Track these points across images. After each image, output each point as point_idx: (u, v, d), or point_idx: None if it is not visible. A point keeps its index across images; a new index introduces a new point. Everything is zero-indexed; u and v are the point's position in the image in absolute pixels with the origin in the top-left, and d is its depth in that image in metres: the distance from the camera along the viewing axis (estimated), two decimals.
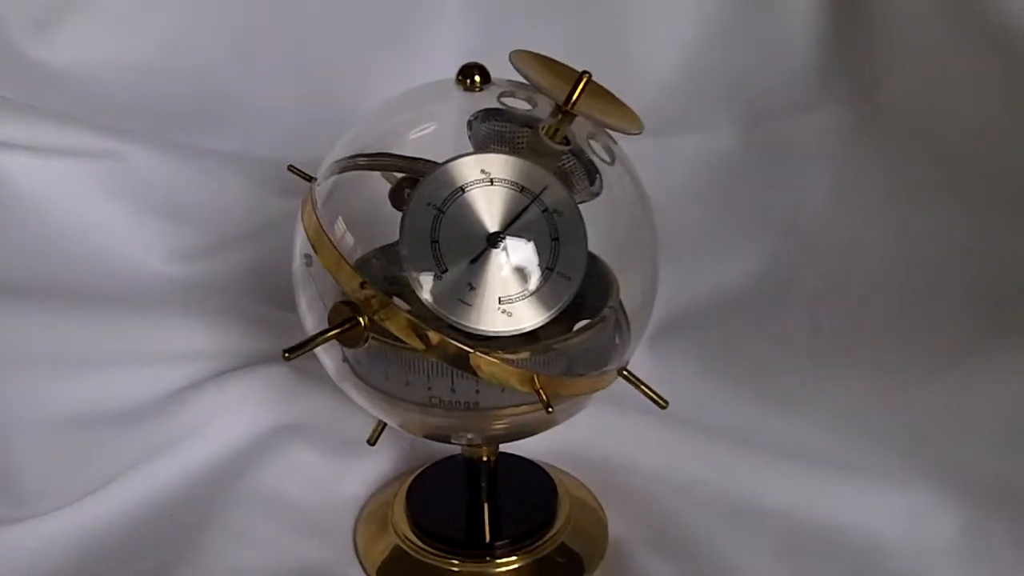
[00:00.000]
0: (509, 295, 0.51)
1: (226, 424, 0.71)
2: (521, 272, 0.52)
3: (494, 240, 0.51)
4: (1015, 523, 0.64)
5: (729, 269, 0.87)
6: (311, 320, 0.57)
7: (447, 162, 0.52)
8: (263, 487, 0.68)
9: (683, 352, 0.78)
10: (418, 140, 0.57)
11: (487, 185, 0.52)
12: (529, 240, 0.52)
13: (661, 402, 0.58)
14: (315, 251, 0.54)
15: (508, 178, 0.52)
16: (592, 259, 0.54)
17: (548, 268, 0.52)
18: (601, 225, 0.54)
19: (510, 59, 0.56)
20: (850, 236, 0.87)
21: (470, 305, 0.51)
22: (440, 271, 0.51)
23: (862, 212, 0.89)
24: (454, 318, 0.51)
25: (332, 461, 0.70)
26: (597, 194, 0.57)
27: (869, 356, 0.77)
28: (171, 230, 0.85)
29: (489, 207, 0.52)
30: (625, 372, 0.58)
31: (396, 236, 0.51)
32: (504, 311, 0.51)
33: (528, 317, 0.51)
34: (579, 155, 0.56)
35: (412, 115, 0.58)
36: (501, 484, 0.65)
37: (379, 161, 0.57)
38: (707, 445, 0.70)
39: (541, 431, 0.58)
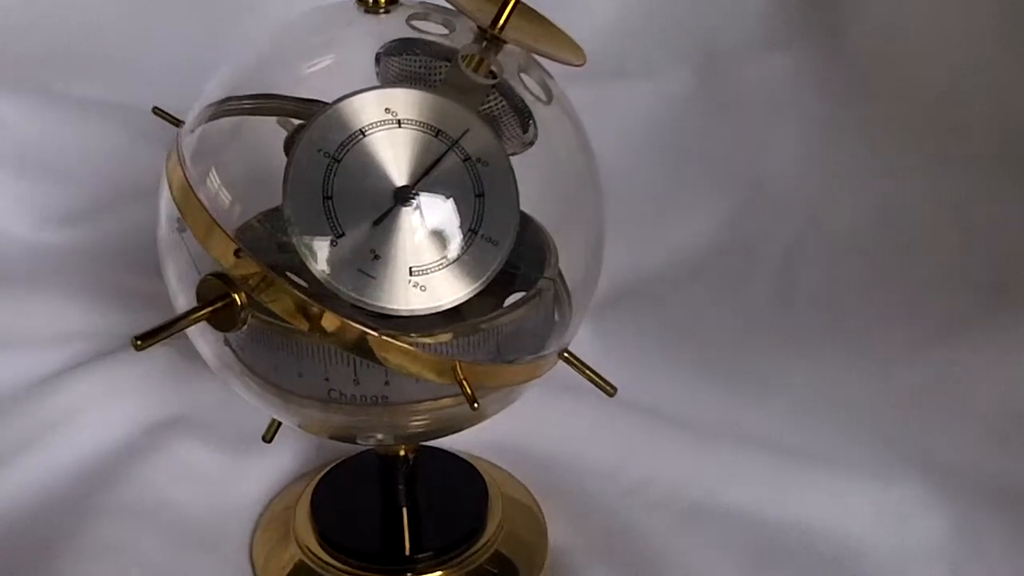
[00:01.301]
0: (423, 264, 0.45)
1: (99, 417, 0.67)
2: (438, 236, 0.45)
3: (403, 196, 0.44)
4: (1009, 521, 0.61)
5: (684, 233, 0.85)
6: (184, 297, 0.51)
7: (342, 99, 0.45)
8: (142, 492, 0.64)
9: (633, 329, 0.75)
10: (311, 76, 0.51)
11: (393, 127, 0.45)
12: (447, 196, 0.45)
13: (608, 388, 0.53)
14: (181, 213, 0.47)
15: (420, 119, 0.45)
16: (525, 220, 0.48)
17: (471, 231, 0.45)
18: (535, 178, 0.49)
19: None
20: (821, 195, 0.85)
21: (373, 277, 0.44)
22: (335, 235, 0.44)
23: (834, 167, 0.87)
24: (354, 294, 0.44)
25: (224, 460, 0.66)
26: (531, 143, 0.51)
27: (846, 333, 0.75)
28: (38, 192, 0.82)
29: (396, 155, 0.45)
30: (566, 354, 0.52)
31: None
32: (417, 284, 0.44)
33: (447, 291, 0.45)
34: (508, 94, 0.50)
35: (304, 45, 0.52)
36: (422, 484, 0.60)
37: (262, 104, 0.51)
38: (661, 436, 0.67)
39: (466, 427, 0.53)
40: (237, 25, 0.87)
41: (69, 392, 0.68)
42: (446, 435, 0.53)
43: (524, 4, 0.48)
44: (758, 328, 0.76)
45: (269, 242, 0.50)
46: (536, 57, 0.51)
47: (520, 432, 0.67)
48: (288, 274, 0.45)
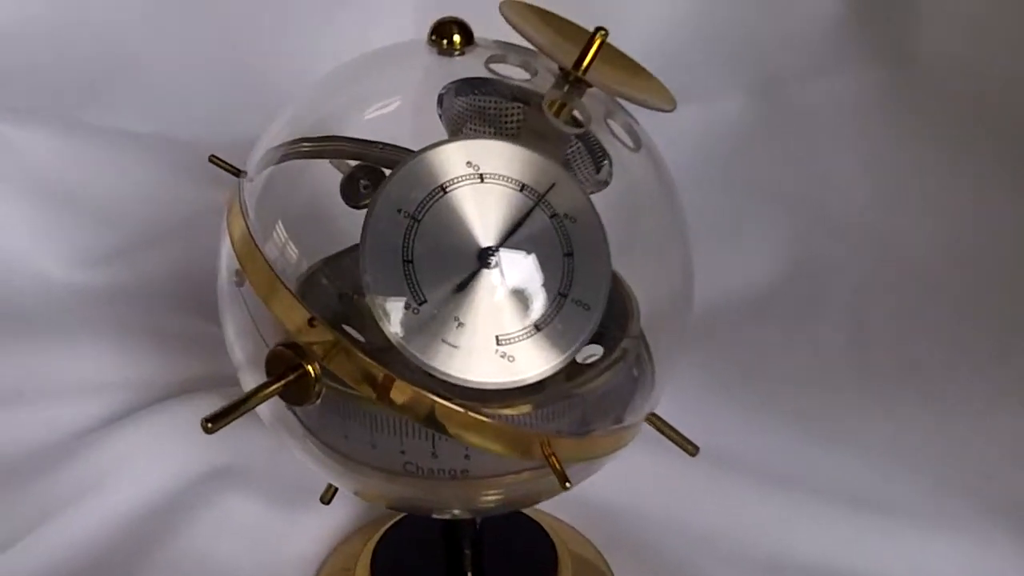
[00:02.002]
0: (509, 333, 0.42)
1: (142, 471, 0.65)
2: (524, 300, 0.42)
3: (487, 257, 0.42)
4: None
5: (746, 268, 0.83)
6: (241, 351, 0.49)
7: (421, 152, 0.42)
8: (189, 548, 0.62)
9: (695, 370, 0.69)
10: (377, 120, 0.49)
11: (475, 183, 0.42)
12: (534, 257, 0.42)
13: (690, 448, 0.51)
14: (244, 270, 0.45)
15: (503, 172, 0.43)
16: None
17: (560, 294, 0.42)
18: (619, 229, 0.45)
19: (501, 10, 0.47)
20: (892, 226, 0.83)
21: (457, 347, 0.41)
22: (417, 302, 0.41)
23: (903, 194, 0.85)
24: (436, 365, 0.41)
25: (276, 514, 0.64)
26: (606, 183, 0.48)
27: (923, 375, 0.73)
28: (71, 230, 0.80)
29: (479, 213, 0.42)
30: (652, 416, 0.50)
31: (350, 241, 0.43)
32: (505, 355, 0.41)
33: (536, 362, 0.42)
34: (587, 139, 0.47)
35: (370, 87, 0.50)
36: (488, 547, 0.58)
37: (327, 146, 0.49)
38: (730, 485, 0.65)
39: (547, 499, 0.50)
40: (279, 57, 0.85)
41: (109, 446, 0.66)
42: (525, 507, 0.51)
43: (610, 45, 0.46)
44: (829, 369, 0.74)
45: (333, 296, 0.48)
46: (621, 101, 0.49)
47: (583, 483, 0.62)
48: (355, 335, 0.43)
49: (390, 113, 0.49)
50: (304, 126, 0.49)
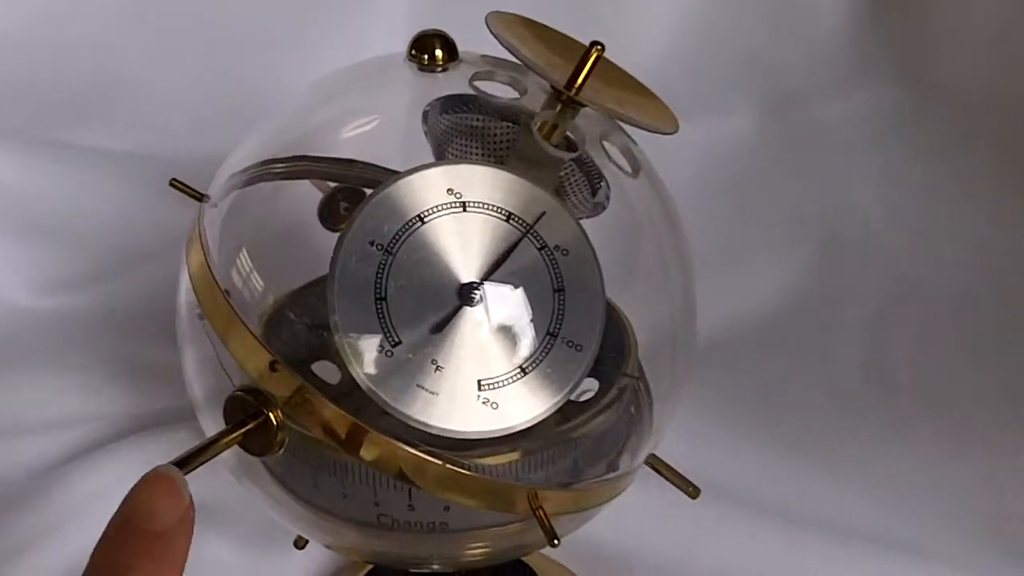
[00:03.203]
0: (494, 377, 0.39)
1: (112, 509, 0.59)
2: (509, 341, 0.39)
3: (469, 294, 0.39)
4: None
5: (757, 292, 0.82)
6: (200, 388, 0.47)
7: (397, 178, 0.40)
8: None
9: (701, 402, 0.67)
10: (354, 140, 0.47)
11: (457, 211, 0.40)
12: (522, 292, 0.40)
13: (691, 491, 0.49)
14: (201, 306, 0.42)
15: (488, 200, 0.40)
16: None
17: (550, 333, 0.40)
18: (615, 260, 0.44)
19: (487, 23, 0.44)
20: (911, 250, 0.82)
21: (436, 394, 0.38)
22: (390, 343, 0.38)
23: (919, 217, 0.84)
24: (412, 414, 0.38)
25: (250, 555, 0.62)
26: (602, 207, 0.46)
27: (945, 410, 0.72)
28: (38, 254, 0.79)
29: (462, 245, 0.39)
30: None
31: (325, 270, 0.39)
32: (488, 401, 0.38)
33: (523, 408, 0.39)
34: (581, 160, 0.45)
35: (346, 105, 0.48)
36: None
37: (297, 166, 0.47)
38: (735, 523, 0.63)
39: (534, 552, 0.50)
40: (264, 73, 0.84)
41: (76, 482, 0.64)
42: (510, 559, 0.48)
43: (608, 61, 0.43)
44: (843, 402, 0.73)
45: (303, 333, 0.46)
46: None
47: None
48: (323, 379, 0.40)
49: (367, 133, 0.47)
50: (273, 147, 0.47)
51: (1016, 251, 0.80)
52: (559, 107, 0.42)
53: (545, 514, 0.39)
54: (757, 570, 0.61)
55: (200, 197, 0.46)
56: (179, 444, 0.64)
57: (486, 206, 0.40)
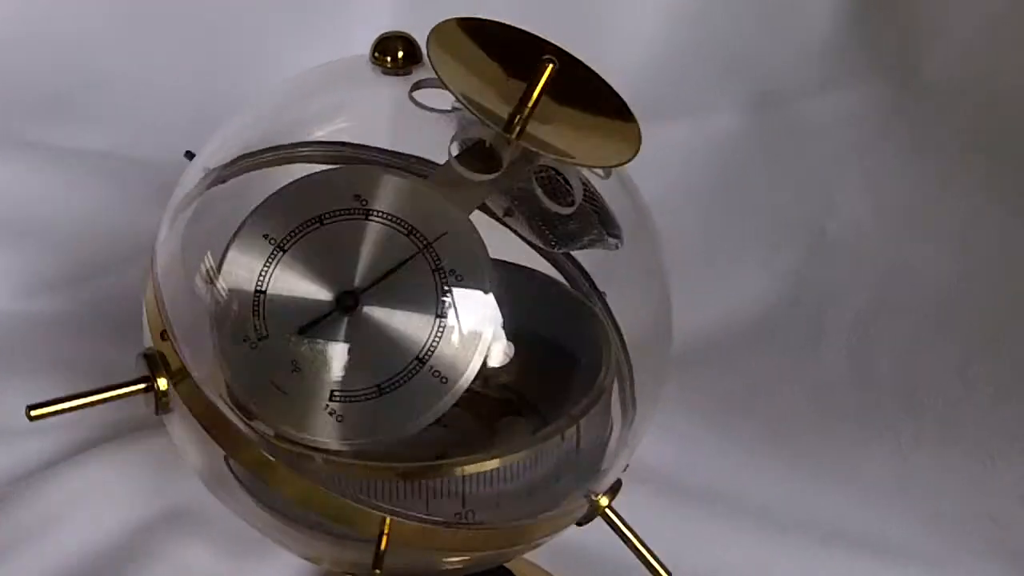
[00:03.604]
0: (348, 390, 0.39)
1: (90, 516, 0.63)
2: (376, 357, 0.39)
3: (345, 303, 0.39)
4: None
5: (740, 296, 0.81)
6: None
7: (306, 177, 0.41)
8: None
9: (686, 405, 0.69)
10: (313, 144, 0.48)
11: (358, 219, 0.40)
12: (399, 311, 0.39)
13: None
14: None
15: (393, 212, 0.40)
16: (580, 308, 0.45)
17: (419, 359, 0.39)
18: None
19: (427, 46, 0.43)
20: (896, 251, 0.82)
21: (285, 393, 0.39)
22: (256, 336, 0.39)
23: (906, 217, 0.84)
24: (255, 407, 0.40)
25: (229, 561, 0.61)
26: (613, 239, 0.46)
27: (931, 413, 0.72)
28: (17, 256, 0.78)
29: (354, 253, 0.40)
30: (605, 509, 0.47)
31: None
32: (334, 412, 0.39)
33: (368, 428, 0.39)
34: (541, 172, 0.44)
35: (307, 110, 0.49)
36: None
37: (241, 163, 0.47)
38: (720, 528, 0.63)
39: (515, 558, 0.49)
40: (246, 72, 0.84)
41: (53, 489, 0.63)
42: (491, 566, 0.49)
43: (571, 64, 0.43)
44: (829, 404, 0.73)
45: None
46: None
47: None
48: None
49: (333, 134, 0.47)
50: (235, 151, 0.47)
51: (1002, 251, 0.80)
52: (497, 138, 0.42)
53: (386, 540, 0.40)
54: (744, 572, 0.61)
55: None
56: (156, 451, 0.65)
57: (389, 217, 0.40)
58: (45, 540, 0.61)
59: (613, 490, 0.47)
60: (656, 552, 0.58)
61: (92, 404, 0.42)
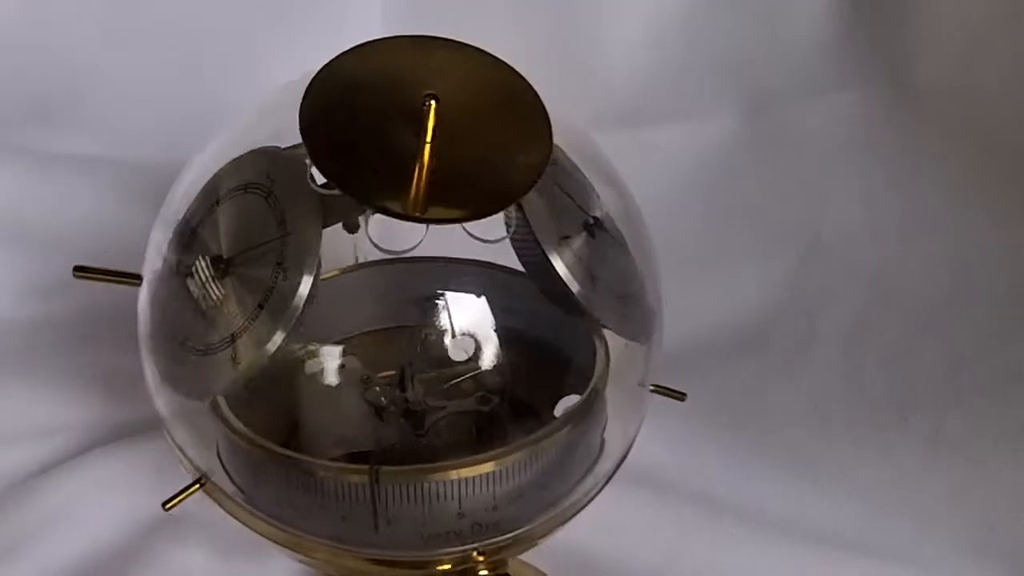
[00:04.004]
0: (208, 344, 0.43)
1: (86, 521, 0.63)
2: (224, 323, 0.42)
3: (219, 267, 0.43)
4: None
5: (734, 300, 0.81)
6: (162, 399, 0.50)
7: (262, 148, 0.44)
8: None
9: (680, 409, 0.67)
10: None
11: (260, 195, 0.42)
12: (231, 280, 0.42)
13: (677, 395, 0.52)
14: None
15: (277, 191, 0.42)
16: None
17: (232, 336, 0.42)
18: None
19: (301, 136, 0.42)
20: (890, 255, 0.82)
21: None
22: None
23: (904, 224, 0.84)
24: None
25: (233, 564, 0.61)
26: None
27: (924, 417, 0.71)
28: (10, 261, 0.79)
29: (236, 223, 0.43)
30: None
31: None
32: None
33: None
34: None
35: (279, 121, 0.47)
36: None
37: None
38: (714, 531, 0.63)
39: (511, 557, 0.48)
40: (236, 76, 0.83)
41: (51, 493, 0.64)
42: None
43: (475, 66, 0.43)
44: (823, 408, 0.73)
45: None
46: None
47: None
48: None
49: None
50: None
51: (993, 257, 0.80)
52: None
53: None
54: (738, 575, 0.61)
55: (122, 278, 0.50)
56: (153, 452, 0.65)
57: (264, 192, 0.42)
58: (45, 542, 0.61)
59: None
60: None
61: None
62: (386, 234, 0.43)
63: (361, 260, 0.53)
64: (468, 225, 0.41)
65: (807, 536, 0.62)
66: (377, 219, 0.41)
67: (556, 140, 0.45)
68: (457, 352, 0.46)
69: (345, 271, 0.54)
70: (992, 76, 0.83)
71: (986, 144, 0.83)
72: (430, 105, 0.40)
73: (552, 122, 0.44)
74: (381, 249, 0.42)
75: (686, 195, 0.85)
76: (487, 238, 0.43)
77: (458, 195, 0.41)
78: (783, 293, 0.81)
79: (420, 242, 0.41)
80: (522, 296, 0.46)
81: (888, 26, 0.87)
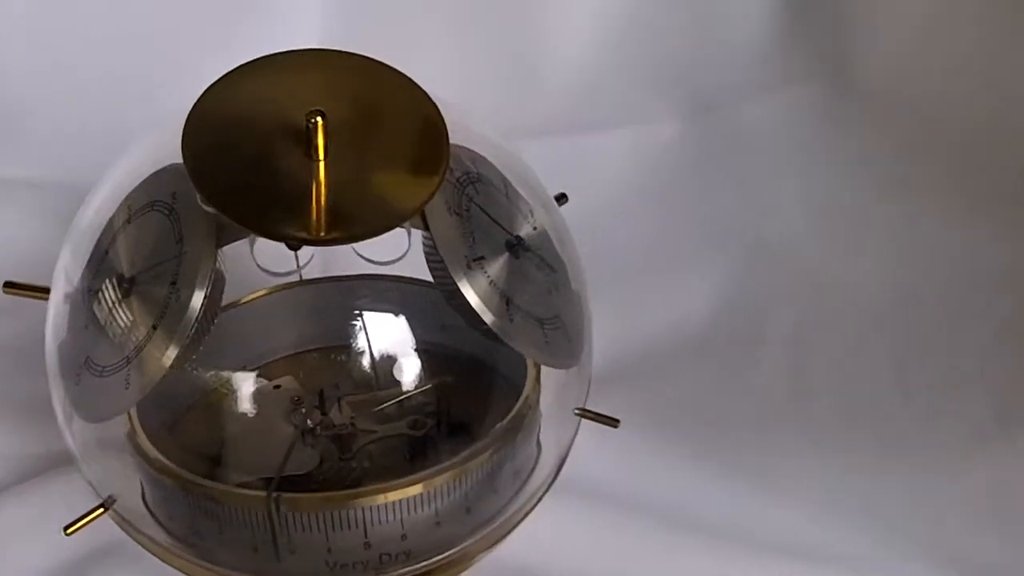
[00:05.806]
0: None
1: (18, 555, 0.61)
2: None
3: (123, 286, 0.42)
4: None
5: (677, 305, 0.80)
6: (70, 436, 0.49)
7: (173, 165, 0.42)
8: None
9: (632, 415, 0.66)
10: None
11: (163, 214, 0.41)
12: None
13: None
14: None
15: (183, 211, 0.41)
16: None
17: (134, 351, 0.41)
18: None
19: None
20: (834, 257, 0.82)
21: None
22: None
23: (843, 223, 0.83)
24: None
25: None
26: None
27: (870, 423, 0.70)
28: None
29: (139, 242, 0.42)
30: None
31: None
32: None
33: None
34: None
35: None
36: None
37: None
38: (667, 540, 0.63)
39: None
40: (169, 91, 0.79)
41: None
42: None
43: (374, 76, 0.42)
44: (770, 413, 0.72)
45: None
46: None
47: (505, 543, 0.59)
48: None
49: None
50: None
51: (938, 258, 0.80)
52: None
53: None
54: None
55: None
56: (81, 485, 0.60)
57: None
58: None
59: None
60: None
61: None
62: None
63: (306, 277, 0.52)
64: (365, 245, 0.40)
65: (754, 544, 0.62)
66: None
67: (484, 155, 0.44)
68: (384, 373, 0.45)
69: (279, 289, 0.52)
70: (934, 75, 0.83)
71: (929, 143, 0.83)
72: (316, 123, 0.39)
73: (478, 137, 0.44)
74: (268, 272, 0.42)
75: (631, 200, 0.85)
76: (384, 260, 0.42)
77: (350, 215, 0.39)
78: (729, 295, 0.81)
79: (309, 261, 0.40)
80: (450, 312, 0.45)
81: (830, 26, 0.88)
